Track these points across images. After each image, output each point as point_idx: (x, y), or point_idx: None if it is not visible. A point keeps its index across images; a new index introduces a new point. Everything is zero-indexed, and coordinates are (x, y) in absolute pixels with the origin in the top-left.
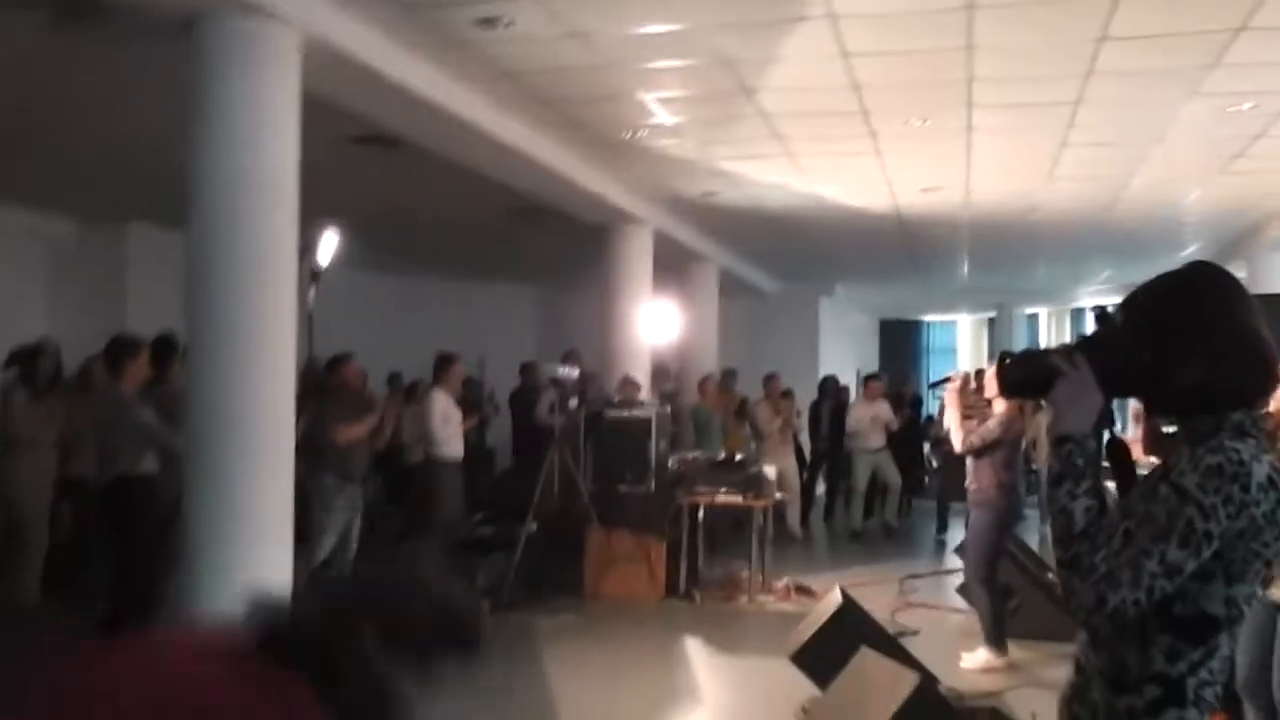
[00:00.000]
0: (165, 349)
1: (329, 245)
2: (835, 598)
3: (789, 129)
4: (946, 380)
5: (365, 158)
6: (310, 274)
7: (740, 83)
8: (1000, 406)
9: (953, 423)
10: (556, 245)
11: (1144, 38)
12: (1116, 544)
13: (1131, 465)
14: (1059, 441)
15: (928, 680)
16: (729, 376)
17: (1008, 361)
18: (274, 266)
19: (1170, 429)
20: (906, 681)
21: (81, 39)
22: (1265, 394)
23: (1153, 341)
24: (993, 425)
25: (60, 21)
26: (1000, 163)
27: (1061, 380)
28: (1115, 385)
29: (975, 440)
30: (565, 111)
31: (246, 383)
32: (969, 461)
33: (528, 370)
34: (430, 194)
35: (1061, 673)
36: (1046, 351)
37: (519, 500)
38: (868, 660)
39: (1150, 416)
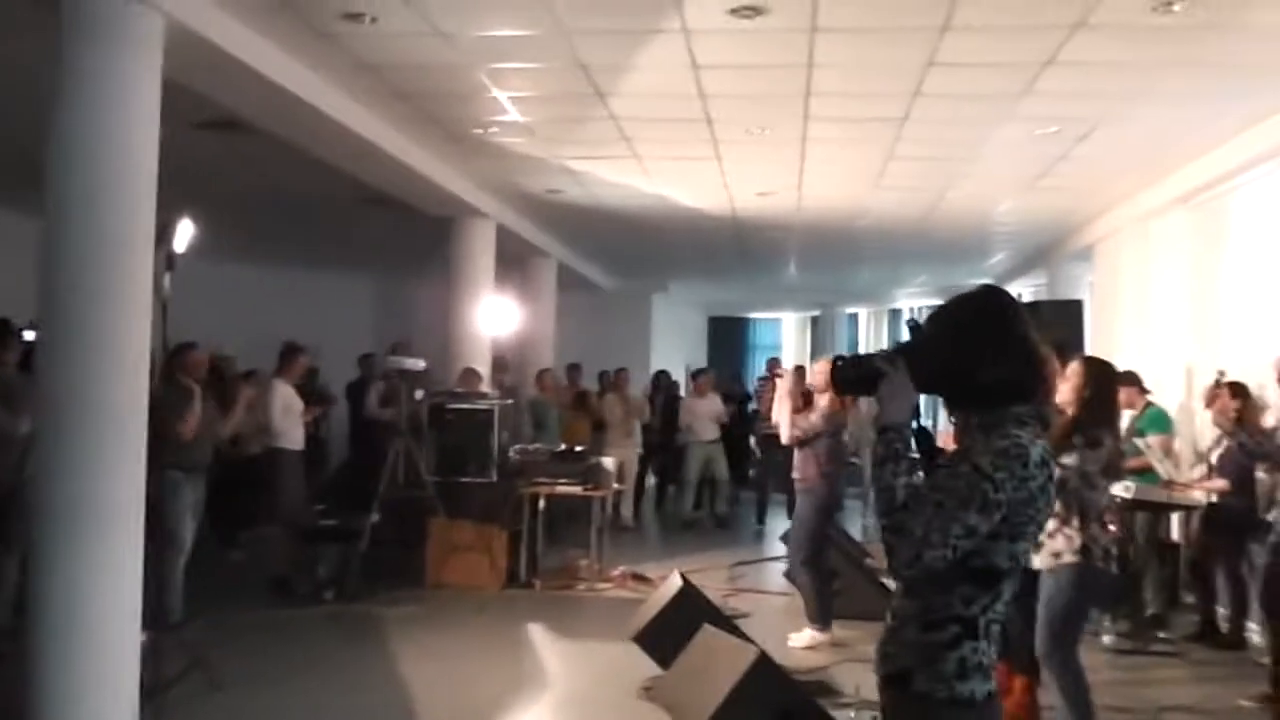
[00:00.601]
0: (3, 331)
1: (185, 232)
2: (675, 582)
3: (637, 132)
4: (774, 374)
5: (211, 142)
6: (166, 260)
7: (594, 87)
8: (823, 401)
9: (783, 416)
10: (400, 236)
11: (967, 65)
12: (929, 512)
13: (935, 448)
14: (883, 430)
15: (766, 654)
16: (574, 370)
17: (840, 363)
18: (131, 251)
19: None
20: (747, 654)
21: None
22: (1037, 392)
23: (953, 349)
24: (815, 418)
25: None
26: (831, 171)
27: (885, 379)
28: (925, 384)
29: (798, 432)
30: (419, 105)
31: (101, 369)
32: (795, 452)
33: (365, 362)
34: (276, 181)
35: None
36: (872, 355)
37: (359, 491)
38: (709, 637)
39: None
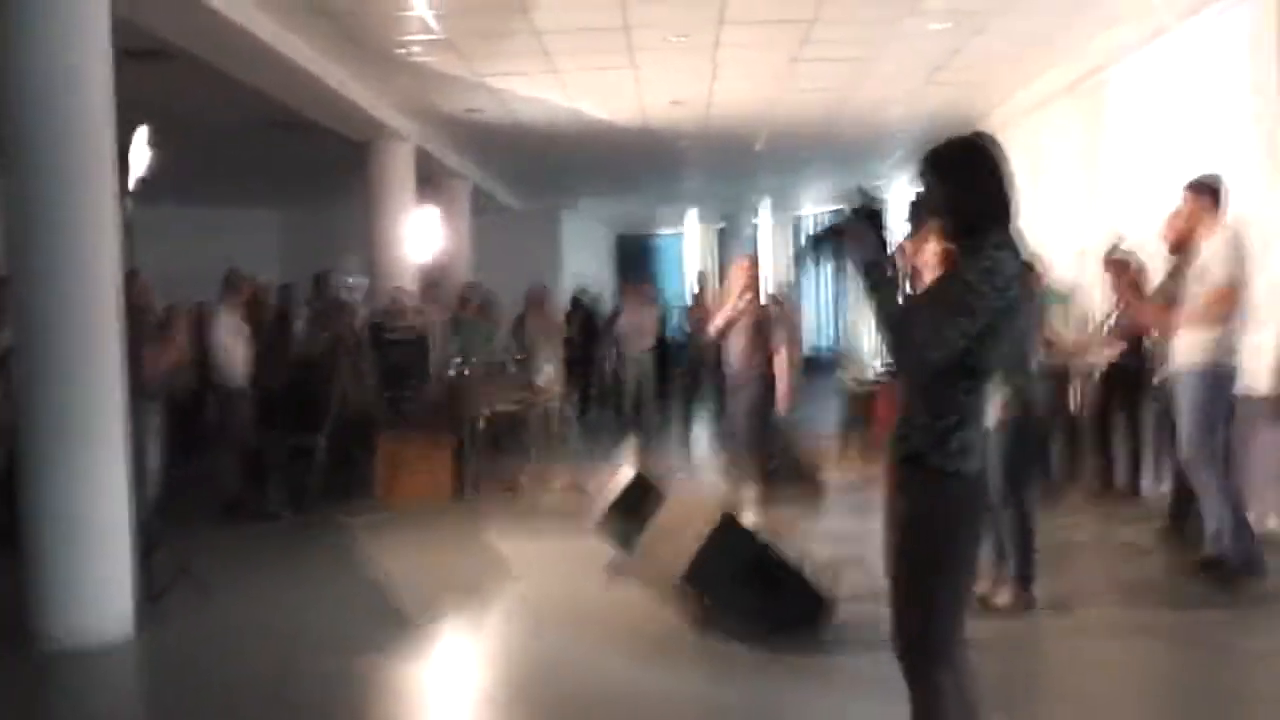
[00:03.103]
0: None
1: (142, 145)
2: (627, 471)
3: (556, 45)
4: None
5: (130, 72)
6: (124, 187)
7: None
8: (745, 299)
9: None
10: (309, 164)
11: None
12: (926, 320)
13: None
14: (866, 269)
15: (733, 511)
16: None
17: (801, 245)
18: (92, 181)
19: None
20: (715, 510)
21: None
22: (1012, 219)
23: (940, 182)
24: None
25: None
26: (741, 77)
27: (847, 231)
28: (922, 214)
29: (721, 323)
30: (342, 24)
31: (76, 288)
32: (735, 347)
33: (284, 292)
34: (189, 112)
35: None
36: (830, 227)
37: (306, 412)
38: (676, 504)
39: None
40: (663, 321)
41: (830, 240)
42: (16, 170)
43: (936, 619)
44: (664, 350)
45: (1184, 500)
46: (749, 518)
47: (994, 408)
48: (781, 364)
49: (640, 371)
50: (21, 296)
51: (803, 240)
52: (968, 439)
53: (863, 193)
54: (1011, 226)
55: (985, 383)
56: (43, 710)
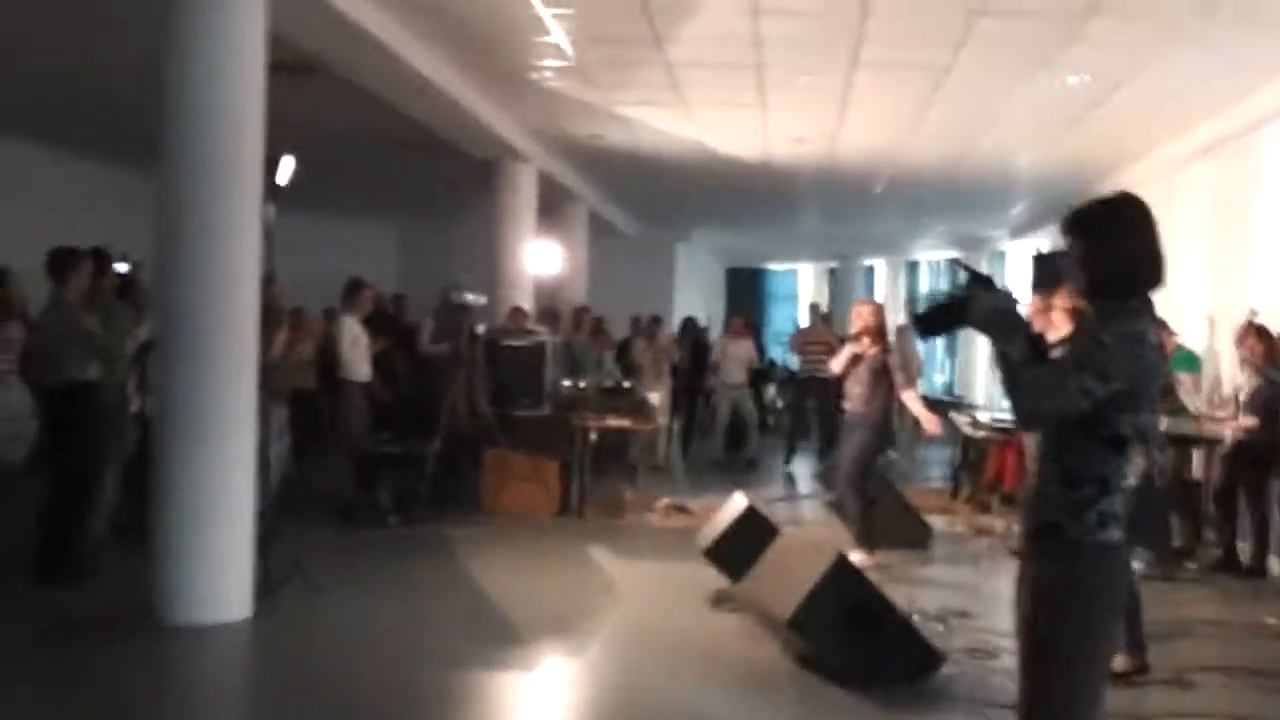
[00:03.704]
0: (102, 260)
1: (287, 167)
2: (740, 501)
3: (687, 78)
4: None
5: (277, 83)
6: (270, 193)
7: (653, 31)
8: (865, 343)
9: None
10: (432, 182)
11: (1013, 13)
12: (1049, 371)
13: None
14: (993, 317)
15: (844, 554)
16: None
17: (921, 312)
18: (241, 186)
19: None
20: (829, 553)
21: None
22: (1154, 287)
23: (1087, 244)
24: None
25: None
26: (869, 120)
27: (971, 301)
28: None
29: (843, 362)
30: (478, 47)
31: (219, 287)
32: (854, 389)
33: (399, 303)
34: (325, 127)
35: (922, 571)
36: (948, 294)
37: (420, 421)
38: (790, 540)
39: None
40: (761, 354)
41: (947, 309)
42: (171, 171)
43: (1073, 702)
44: (761, 383)
45: None
46: (856, 559)
47: None
48: (913, 397)
49: (735, 401)
50: (168, 291)
51: (919, 311)
52: (1108, 508)
53: (966, 267)
54: (1153, 291)
55: (1125, 450)
56: (169, 680)
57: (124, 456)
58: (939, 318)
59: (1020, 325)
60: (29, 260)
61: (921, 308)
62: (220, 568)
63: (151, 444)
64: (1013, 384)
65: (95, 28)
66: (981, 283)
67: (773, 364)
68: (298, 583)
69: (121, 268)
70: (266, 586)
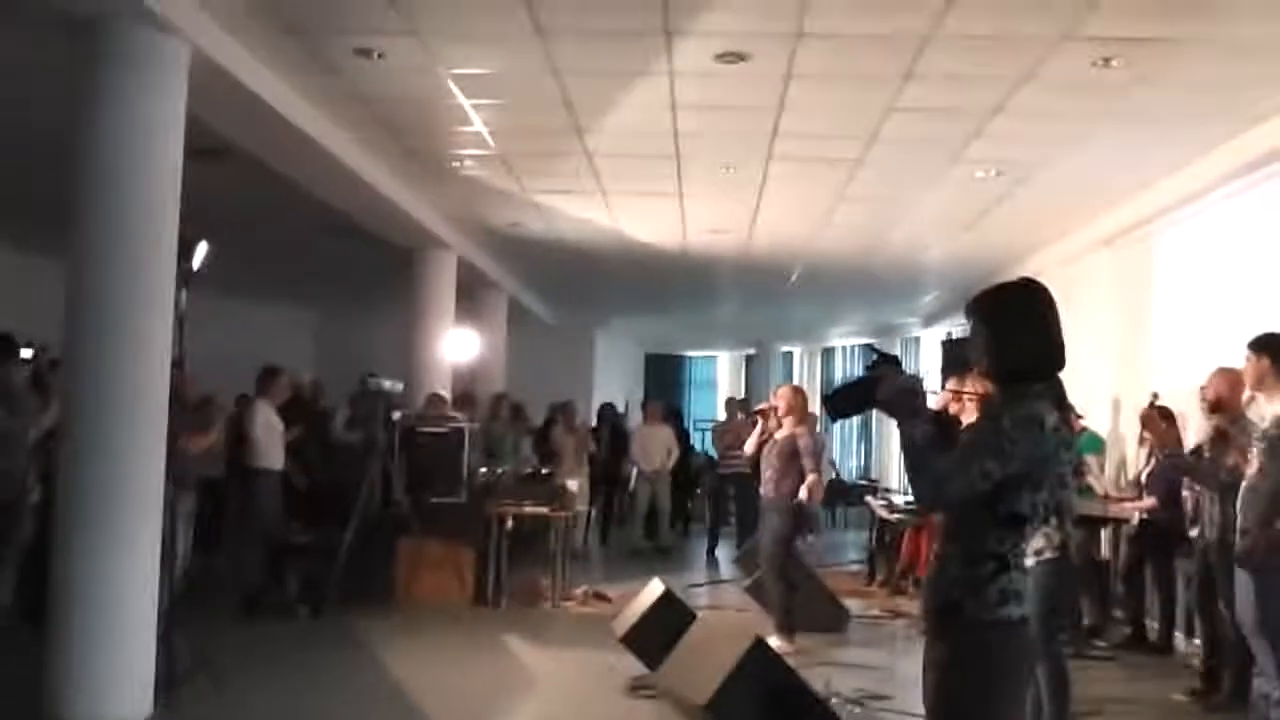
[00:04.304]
0: (7, 346)
1: (202, 252)
2: (657, 587)
3: (606, 168)
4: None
5: (193, 166)
6: (184, 278)
7: (575, 123)
8: (786, 424)
9: (753, 438)
10: (349, 269)
11: (924, 110)
12: (952, 455)
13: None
14: (894, 400)
15: (762, 637)
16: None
17: (831, 395)
18: (155, 267)
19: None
20: (746, 636)
21: None
22: (1055, 372)
23: (988, 331)
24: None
25: None
26: (784, 211)
27: (880, 381)
28: (962, 357)
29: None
30: (401, 137)
31: (129, 372)
32: (766, 473)
33: (316, 387)
34: (241, 211)
35: (839, 654)
36: (859, 379)
37: (331, 509)
38: (704, 627)
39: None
40: (682, 441)
41: (856, 390)
42: (81, 251)
43: None
44: (685, 471)
45: (1219, 659)
46: (774, 644)
47: (1038, 542)
48: (815, 481)
49: (653, 490)
50: (74, 376)
51: (830, 392)
52: (1007, 585)
53: (876, 350)
54: (1054, 376)
55: (1023, 530)
56: None
57: (22, 546)
58: (848, 399)
59: (923, 408)
60: None
61: (830, 391)
62: (121, 661)
63: (50, 533)
64: (915, 468)
65: (5, 107)
66: (890, 363)
67: (692, 449)
68: (201, 677)
69: (26, 354)
70: (169, 681)
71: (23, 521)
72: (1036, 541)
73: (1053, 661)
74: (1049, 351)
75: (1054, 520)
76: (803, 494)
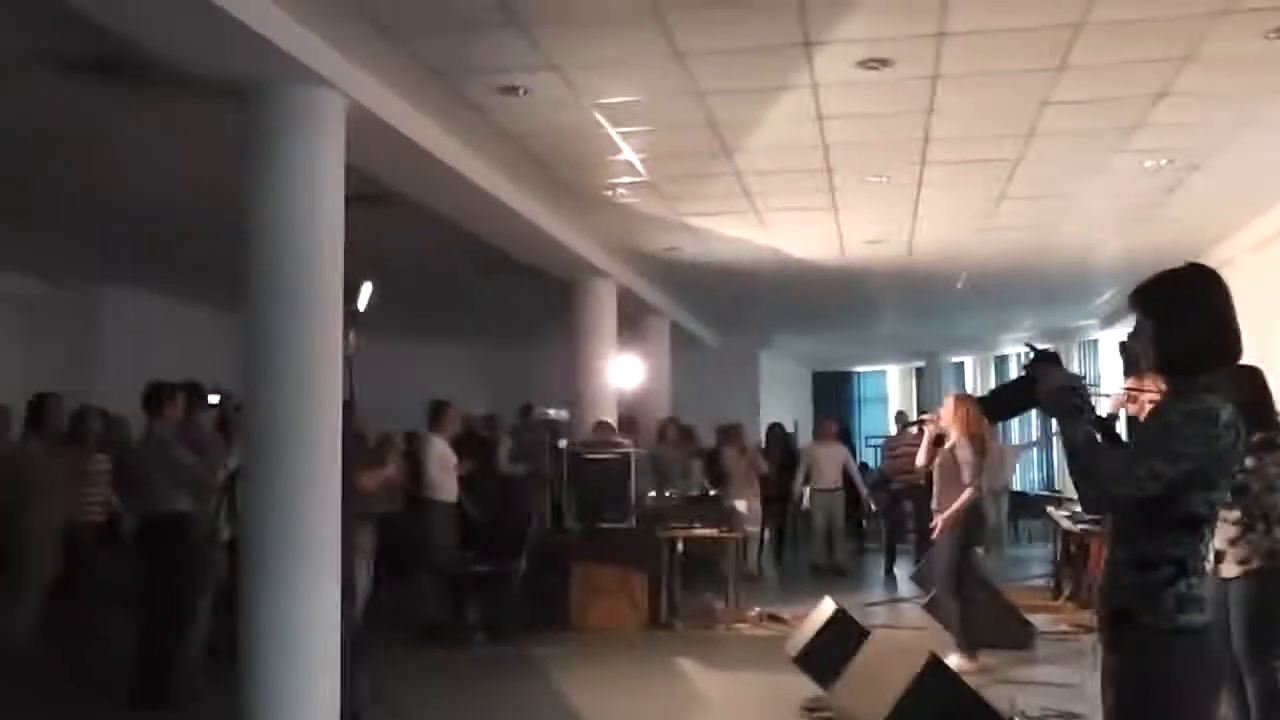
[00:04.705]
0: (195, 393)
1: (366, 294)
2: (829, 605)
3: (757, 186)
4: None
5: (354, 214)
6: (350, 319)
7: (721, 143)
8: (954, 437)
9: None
10: (512, 303)
11: (1081, 102)
12: (1120, 455)
13: (1109, 423)
14: (1054, 399)
15: (937, 655)
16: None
17: (986, 396)
18: (323, 315)
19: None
20: (920, 655)
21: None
22: (1229, 361)
23: (1156, 319)
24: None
25: (107, 79)
26: (942, 215)
27: (1040, 387)
28: (1134, 354)
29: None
30: (553, 170)
31: (305, 417)
32: (937, 487)
33: (488, 422)
34: (403, 255)
35: (1025, 671)
36: (1016, 379)
37: (505, 538)
38: (880, 643)
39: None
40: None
41: (1013, 390)
42: (256, 303)
43: None
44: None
45: None
46: (954, 663)
47: (1232, 557)
48: (970, 495)
49: (828, 509)
50: (254, 420)
51: (987, 393)
52: (1186, 591)
53: (1033, 348)
54: (1227, 366)
55: (1199, 532)
56: None
57: (216, 584)
58: (1006, 400)
59: (1086, 407)
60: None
61: (987, 393)
62: (305, 693)
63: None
64: (1079, 471)
65: (177, 180)
66: (1048, 361)
67: (865, 467)
68: (383, 709)
69: (214, 399)
70: (352, 715)
71: (216, 561)
72: (1240, 550)
73: (1265, 682)
74: (1221, 340)
75: (1261, 527)
76: (938, 519)
